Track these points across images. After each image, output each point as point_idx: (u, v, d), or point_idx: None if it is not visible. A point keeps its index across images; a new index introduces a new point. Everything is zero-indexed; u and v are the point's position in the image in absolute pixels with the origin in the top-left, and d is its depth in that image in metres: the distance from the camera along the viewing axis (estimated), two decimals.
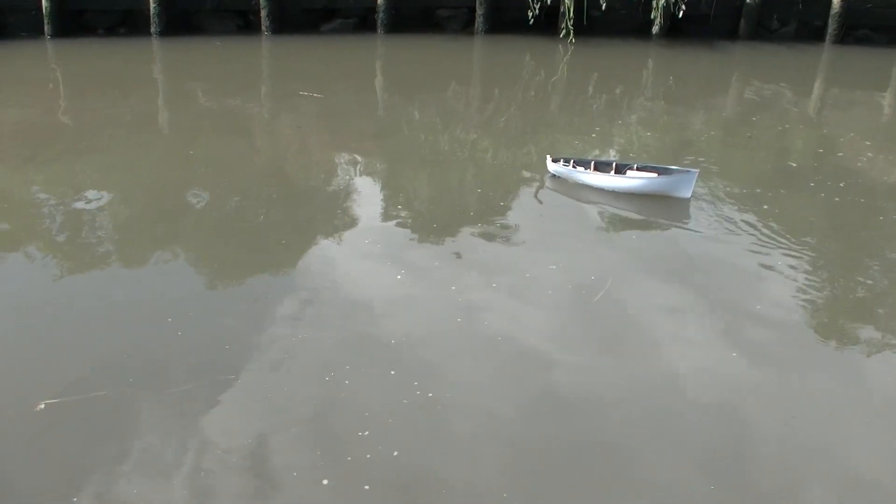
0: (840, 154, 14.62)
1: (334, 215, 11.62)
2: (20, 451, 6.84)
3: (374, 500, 6.32)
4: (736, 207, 11.96)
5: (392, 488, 6.43)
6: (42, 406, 7.28)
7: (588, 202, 12.35)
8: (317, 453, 6.77)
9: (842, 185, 12.91)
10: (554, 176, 13.18)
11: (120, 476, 6.51)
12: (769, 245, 10.72)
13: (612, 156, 14.13)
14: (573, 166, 12.95)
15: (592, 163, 12.99)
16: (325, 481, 6.47)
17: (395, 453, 6.75)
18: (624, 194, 12.44)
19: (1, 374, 7.83)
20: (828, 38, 23.26)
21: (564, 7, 22.87)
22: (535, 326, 8.69)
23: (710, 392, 7.66)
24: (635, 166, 12.76)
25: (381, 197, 12.52)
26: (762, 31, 23.84)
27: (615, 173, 12.70)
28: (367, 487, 6.39)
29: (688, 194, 12.17)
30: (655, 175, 12.40)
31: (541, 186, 12.65)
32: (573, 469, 6.65)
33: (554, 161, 13.18)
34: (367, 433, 6.97)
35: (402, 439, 6.91)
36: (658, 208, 11.92)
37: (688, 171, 12.23)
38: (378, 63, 22.78)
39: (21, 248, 10.55)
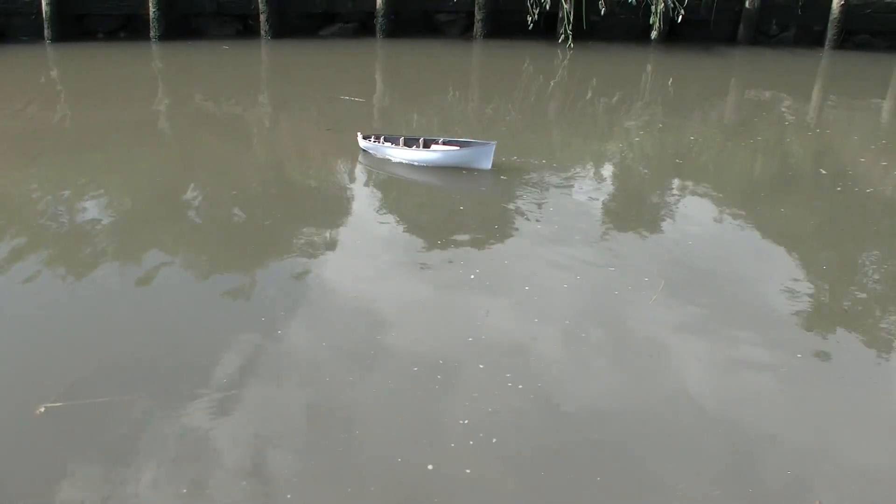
0: (839, 159, 14.59)
1: (335, 220, 11.59)
2: (19, 454, 6.80)
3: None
4: (733, 213, 11.93)
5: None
6: (42, 409, 7.27)
7: (398, 176, 13.34)
8: (317, 458, 6.73)
9: (840, 190, 12.90)
10: (365, 151, 14.10)
11: (121, 481, 6.46)
12: (770, 251, 10.70)
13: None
14: (382, 142, 13.82)
15: (401, 139, 13.85)
16: (288, 495, 6.45)
17: (397, 468, 6.65)
18: (430, 167, 13.41)
19: (1, 376, 7.80)
20: (827, 43, 23.25)
21: (563, 12, 22.88)
22: (540, 330, 8.63)
23: (716, 401, 7.60)
24: (441, 140, 13.66)
25: (381, 201, 12.52)
26: (761, 36, 23.82)
27: (423, 148, 13.58)
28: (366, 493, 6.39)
29: (488, 165, 13.11)
30: (457, 148, 13.27)
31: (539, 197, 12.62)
32: (583, 476, 6.63)
33: (365, 138, 14.13)
34: (365, 439, 6.93)
35: (405, 450, 6.82)
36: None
37: (486, 144, 13.15)
38: (377, 67, 22.80)
39: (22, 251, 10.53)
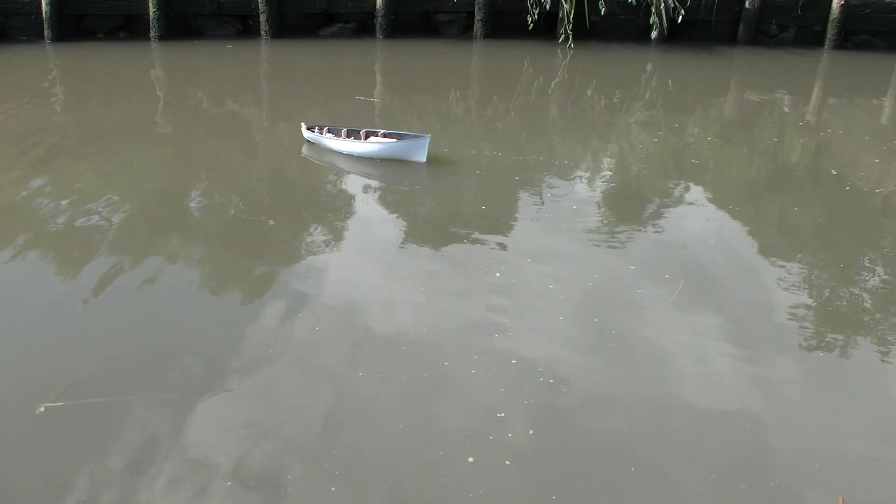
0: (847, 160, 14.66)
1: (335, 220, 11.58)
2: (18, 454, 6.78)
3: None
4: (746, 213, 11.97)
5: None
6: (42, 409, 7.24)
7: (340, 168, 13.70)
8: (317, 460, 6.72)
9: (849, 189, 12.99)
10: (309, 143, 14.57)
11: (119, 482, 6.44)
12: (782, 251, 10.74)
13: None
14: (324, 133, 14.25)
15: (343, 130, 14.23)
16: (332, 488, 6.45)
17: (396, 480, 6.59)
18: (369, 159, 13.78)
19: (1, 376, 7.78)
20: (827, 43, 23.37)
21: (563, 12, 22.94)
22: (568, 328, 8.68)
23: (717, 401, 7.64)
24: (381, 133, 13.95)
25: (386, 200, 12.50)
26: (761, 36, 23.93)
27: (364, 139, 13.73)
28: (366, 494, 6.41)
29: (423, 158, 13.35)
30: (394, 140, 13.47)
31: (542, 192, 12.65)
32: (619, 467, 6.66)
33: (308, 129, 14.52)
34: (406, 433, 6.96)
35: (445, 443, 6.85)
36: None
37: (421, 136, 13.40)
38: (377, 68, 22.78)
39: (23, 252, 10.47)
